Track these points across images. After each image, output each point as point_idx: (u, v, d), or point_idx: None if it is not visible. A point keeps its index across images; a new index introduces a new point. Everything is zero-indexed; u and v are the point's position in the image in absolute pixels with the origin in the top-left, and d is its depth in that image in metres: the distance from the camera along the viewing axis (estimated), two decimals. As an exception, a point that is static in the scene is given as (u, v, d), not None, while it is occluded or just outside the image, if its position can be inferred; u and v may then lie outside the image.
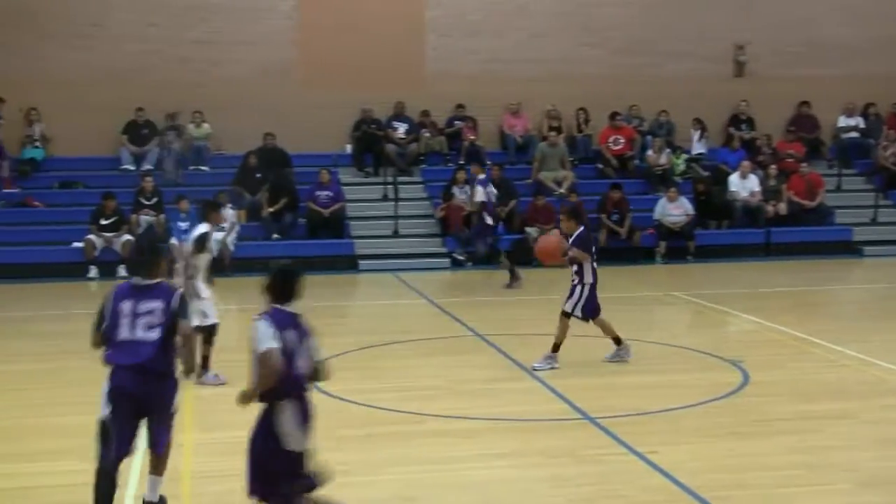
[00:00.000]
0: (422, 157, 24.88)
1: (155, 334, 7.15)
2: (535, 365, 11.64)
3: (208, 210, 11.75)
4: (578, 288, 11.83)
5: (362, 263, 21.99)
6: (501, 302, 17.86)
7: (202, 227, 11.57)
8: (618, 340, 12.12)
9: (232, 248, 21.06)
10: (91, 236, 20.89)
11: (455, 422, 9.88)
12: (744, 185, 23.76)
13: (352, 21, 24.74)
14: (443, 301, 17.43)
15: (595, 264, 12.01)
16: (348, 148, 24.77)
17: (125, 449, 7.19)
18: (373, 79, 24.44)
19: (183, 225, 20.64)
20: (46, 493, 8.02)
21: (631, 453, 8.64)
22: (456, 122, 25.21)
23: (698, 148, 25.59)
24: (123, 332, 7.24)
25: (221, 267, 19.57)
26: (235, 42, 24.34)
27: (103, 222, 21.07)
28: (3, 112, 23.15)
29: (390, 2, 25.38)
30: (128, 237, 20.84)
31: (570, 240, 11.95)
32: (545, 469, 8.36)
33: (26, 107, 23.49)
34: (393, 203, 23.32)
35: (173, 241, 20.58)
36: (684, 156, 25.01)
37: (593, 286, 11.89)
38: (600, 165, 24.95)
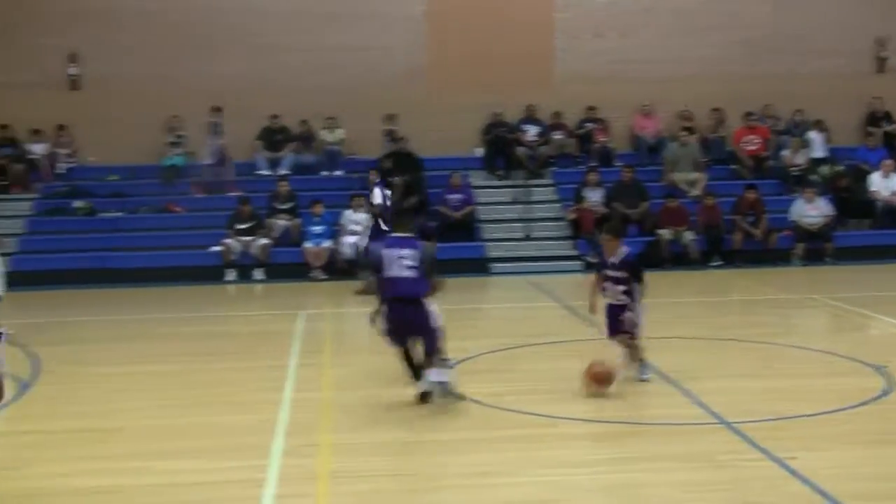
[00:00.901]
0: (553, 160, 24.80)
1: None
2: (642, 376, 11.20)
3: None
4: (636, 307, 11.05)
5: (493, 266, 22.01)
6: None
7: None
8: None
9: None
10: (228, 240, 21.33)
11: (588, 425, 9.82)
12: (886, 184, 23.13)
13: (481, 25, 24.84)
14: (575, 304, 17.32)
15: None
16: (479, 151, 24.81)
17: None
18: (503, 82, 24.50)
19: (317, 229, 20.96)
20: (175, 490, 8.17)
21: (768, 459, 8.44)
22: (587, 123, 25.07)
23: (820, 151, 24.92)
24: None
25: (356, 269, 19.85)
26: (368, 48, 24.59)
27: (240, 227, 21.49)
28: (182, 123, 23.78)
29: (519, 5, 25.41)
30: (264, 241, 21.22)
31: (617, 262, 10.97)
32: (680, 474, 8.22)
33: (169, 116, 24.13)
34: (524, 206, 23.30)
35: (307, 244, 20.95)
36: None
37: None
38: (734, 166, 24.58)
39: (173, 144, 24.26)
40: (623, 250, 10.95)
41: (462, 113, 24.26)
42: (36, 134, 24.18)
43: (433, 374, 10.32)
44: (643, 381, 11.03)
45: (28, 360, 13.50)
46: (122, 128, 23.77)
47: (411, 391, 10.64)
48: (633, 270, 10.97)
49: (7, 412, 10.93)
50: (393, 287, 10.37)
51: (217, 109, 23.60)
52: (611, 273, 11.00)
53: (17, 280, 19.51)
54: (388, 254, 10.46)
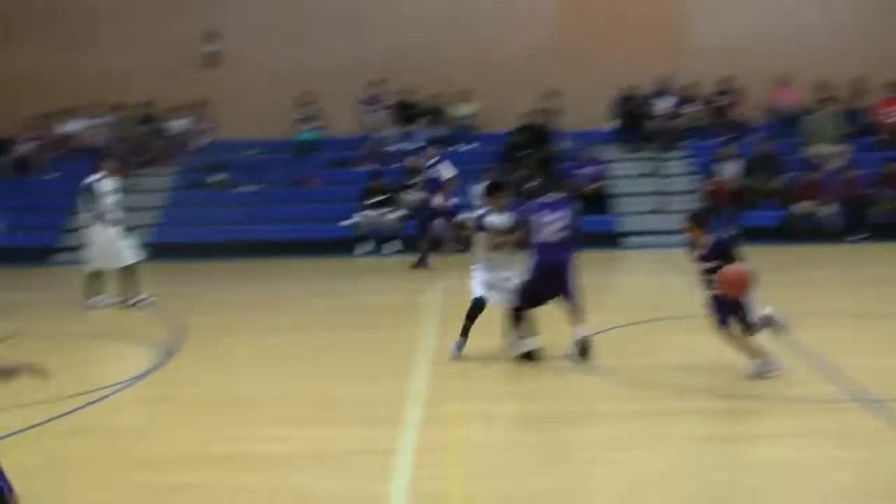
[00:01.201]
0: (687, 133, 24.44)
1: None
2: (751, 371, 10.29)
3: (492, 192, 11.64)
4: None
5: (625, 240, 21.84)
6: (774, 281, 17.33)
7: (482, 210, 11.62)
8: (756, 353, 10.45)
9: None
10: (361, 214, 21.54)
11: (722, 401, 9.67)
12: None
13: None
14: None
15: None
16: (611, 125, 24.58)
17: None
18: (637, 54, 24.21)
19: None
20: (310, 459, 8.30)
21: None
22: (721, 95, 24.64)
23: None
24: None
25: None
26: (502, 23, 24.52)
27: (372, 200, 21.68)
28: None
29: (653, -24, 25.03)
30: (396, 214, 21.37)
31: (706, 252, 10.30)
32: (826, 451, 8.05)
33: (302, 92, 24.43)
34: (657, 179, 23.04)
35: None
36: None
37: None
38: (877, 138, 23.91)
39: (305, 120, 24.56)
40: (709, 238, 10.42)
41: (596, 86, 24.00)
42: (176, 111, 24.71)
43: (580, 332, 10.91)
44: (762, 375, 10.11)
45: (170, 330, 13.85)
46: (259, 103, 24.17)
47: (549, 364, 10.68)
48: (724, 254, 10.23)
49: (152, 378, 11.27)
50: (543, 252, 10.84)
51: (380, 82, 23.72)
52: (703, 265, 10.41)
53: (159, 252, 20.10)
54: (538, 219, 10.91)
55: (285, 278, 19.01)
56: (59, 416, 9.75)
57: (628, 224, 22.24)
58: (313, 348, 12.75)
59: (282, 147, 24.44)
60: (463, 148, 24.18)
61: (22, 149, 24.05)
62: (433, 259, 19.25)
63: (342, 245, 21.39)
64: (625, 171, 23.73)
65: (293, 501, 7.32)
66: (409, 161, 22.47)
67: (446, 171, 19.62)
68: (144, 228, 21.78)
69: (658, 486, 7.33)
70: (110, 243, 16.03)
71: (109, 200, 16.13)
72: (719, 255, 10.19)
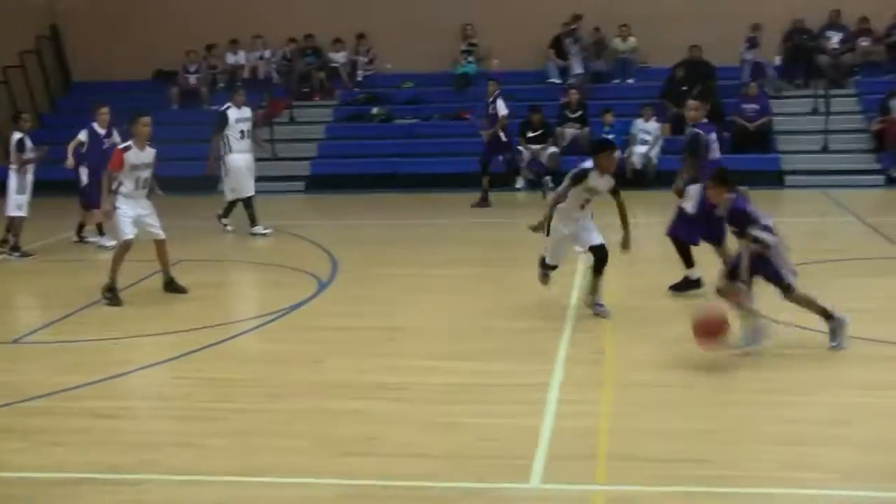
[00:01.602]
0: (857, 69, 23.65)
1: None
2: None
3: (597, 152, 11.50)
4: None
5: (789, 179, 21.33)
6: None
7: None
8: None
9: (655, 161, 21.11)
10: (519, 148, 21.50)
11: (886, 347, 9.43)
12: None
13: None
14: (875, 220, 16.60)
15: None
16: (777, 59, 23.90)
17: None
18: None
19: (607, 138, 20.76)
20: (460, 390, 8.45)
21: None
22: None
23: None
24: None
25: (644, 180, 19.77)
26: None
27: (530, 135, 21.61)
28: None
29: None
30: (553, 149, 21.28)
31: (725, 215, 9.62)
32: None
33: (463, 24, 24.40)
34: (824, 117, 22.39)
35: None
36: None
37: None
38: None
39: (466, 52, 24.56)
40: (729, 199, 9.49)
41: (759, 19, 23.35)
42: (337, 43, 24.96)
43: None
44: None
45: (327, 260, 14.12)
46: (418, 35, 24.17)
47: (700, 301, 10.59)
48: (739, 224, 9.46)
49: (308, 308, 11.55)
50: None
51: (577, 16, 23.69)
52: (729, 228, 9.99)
53: (317, 184, 20.50)
54: (711, 139, 11.59)
55: (441, 211, 19.13)
56: (223, 341, 10.10)
57: (792, 163, 21.69)
58: (467, 282, 12.88)
59: (441, 80, 24.48)
60: (625, 82, 23.88)
61: (188, 80, 24.61)
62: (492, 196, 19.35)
63: (501, 179, 21.37)
64: (789, 108, 23.10)
65: (445, 432, 7.46)
66: (569, 95, 22.32)
67: (500, 108, 19.50)
68: (304, 160, 22.20)
69: (817, 433, 7.24)
70: (238, 173, 16.58)
71: (243, 129, 16.71)
72: (737, 222, 9.50)
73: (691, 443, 7.11)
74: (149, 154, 11.98)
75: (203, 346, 9.92)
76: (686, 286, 11.56)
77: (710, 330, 8.77)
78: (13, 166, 15.18)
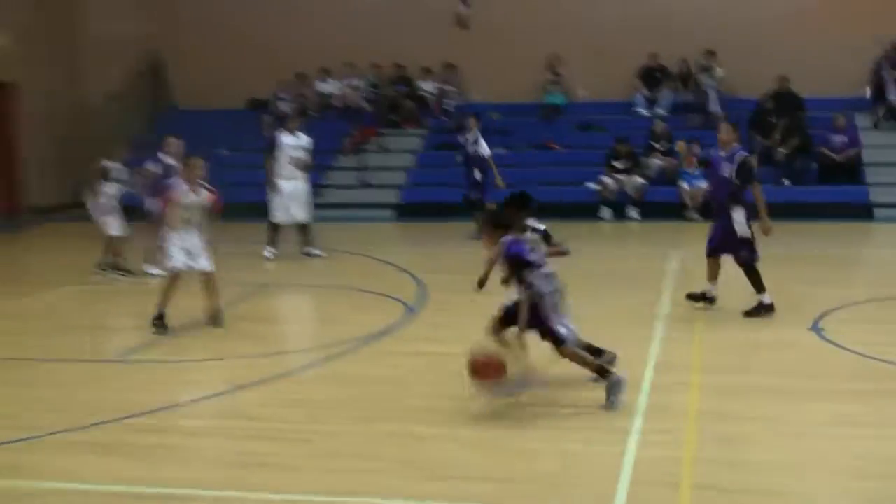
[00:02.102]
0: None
1: None
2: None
3: None
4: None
5: (878, 212, 21.08)
6: None
7: None
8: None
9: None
10: (605, 178, 21.59)
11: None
12: None
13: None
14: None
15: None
16: (867, 91, 23.66)
17: None
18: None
19: (692, 170, 20.78)
20: (548, 413, 8.53)
21: None
22: None
23: None
24: None
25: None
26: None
27: (617, 165, 21.68)
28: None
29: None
30: (640, 180, 21.32)
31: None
32: None
33: (550, 55, 24.54)
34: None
35: (683, 184, 20.88)
36: None
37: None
38: None
39: (553, 83, 24.71)
40: (503, 242, 9.03)
41: (850, 51, 23.12)
42: (426, 72, 25.25)
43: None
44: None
45: (416, 287, 14.28)
46: (506, 66, 24.42)
47: (785, 335, 10.61)
48: (515, 269, 9.01)
49: (396, 334, 11.67)
50: None
51: (711, 53, 23.69)
52: None
53: (407, 211, 20.70)
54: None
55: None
56: (313, 364, 10.29)
57: (881, 195, 21.45)
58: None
59: (528, 110, 24.64)
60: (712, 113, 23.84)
61: (281, 107, 25.04)
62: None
63: (587, 209, 21.46)
64: (879, 140, 22.81)
65: (528, 458, 7.56)
66: (655, 126, 22.35)
67: (484, 148, 19.53)
68: (393, 188, 22.43)
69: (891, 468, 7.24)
70: (289, 198, 16.83)
71: (293, 156, 17.01)
72: (511, 267, 8.97)
73: (771, 475, 7.12)
74: (201, 194, 12.12)
75: (294, 369, 10.15)
76: (757, 311, 11.86)
77: (486, 372, 8.48)
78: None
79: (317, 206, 21.84)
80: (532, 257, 8.90)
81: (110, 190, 15.69)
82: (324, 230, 17.51)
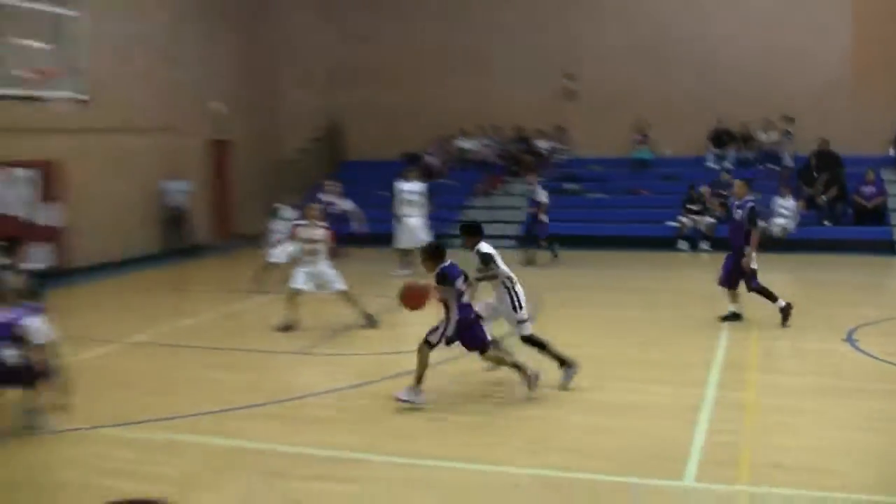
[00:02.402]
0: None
1: None
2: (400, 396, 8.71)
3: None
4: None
5: (900, 248, 20.58)
6: None
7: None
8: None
9: (791, 229, 20.78)
10: (682, 217, 21.50)
11: None
12: None
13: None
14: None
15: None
16: (892, 151, 23.01)
17: None
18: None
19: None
20: (629, 406, 8.59)
21: None
22: None
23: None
24: None
25: (778, 244, 19.48)
26: (798, 55, 23.48)
27: (691, 207, 21.58)
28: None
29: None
30: (710, 219, 21.16)
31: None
32: None
33: (637, 118, 24.53)
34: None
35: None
36: None
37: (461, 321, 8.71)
38: None
39: (640, 142, 24.67)
40: (440, 266, 8.94)
41: (879, 115, 22.57)
42: (541, 133, 25.42)
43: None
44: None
45: (535, 302, 14.34)
46: (604, 128, 24.51)
47: (825, 344, 10.55)
48: (444, 284, 8.80)
49: (512, 339, 11.78)
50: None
51: (790, 119, 23.46)
52: None
53: (525, 241, 20.85)
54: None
55: (621, 265, 19.24)
56: (453, 359, 10.51)
57: (904, 234, 20.91)
58: (638, 321, 12.99)
59: (621, 163, 24.63)
60: (767, 167, 23.47)
61: (428, 159, 25.44)
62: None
63: (667, 242, 21.40)
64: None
65: (614, 437, 7.70)
66: (723, 177, 22.17)
67: (541, 195, 19.95)
68: (515, 223, 22.65)
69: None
70: (403, 229, 17.68)
71: (407, 198, 17.84)
72: (441, 282, 8.80)
73: (819, 457, 7.14)
74: (318, 231, 12.50)
75: (439, 362, 10.38)
76: (786, 315, 12.09)
77: (412, 298, 8.87)
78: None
79: (452, 236, 22.21)
80: (459, 283, 8.76)
81: (276, 226, 15.91)
82: (466, 257, 17.61)
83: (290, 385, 9.55)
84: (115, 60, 19.48)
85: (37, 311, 8.27)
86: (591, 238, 22.02)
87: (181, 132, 22.20)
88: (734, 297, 12.39)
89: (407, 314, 9.32)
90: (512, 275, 9.44)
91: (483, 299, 9.51)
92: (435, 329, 8.73)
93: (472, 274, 9.13)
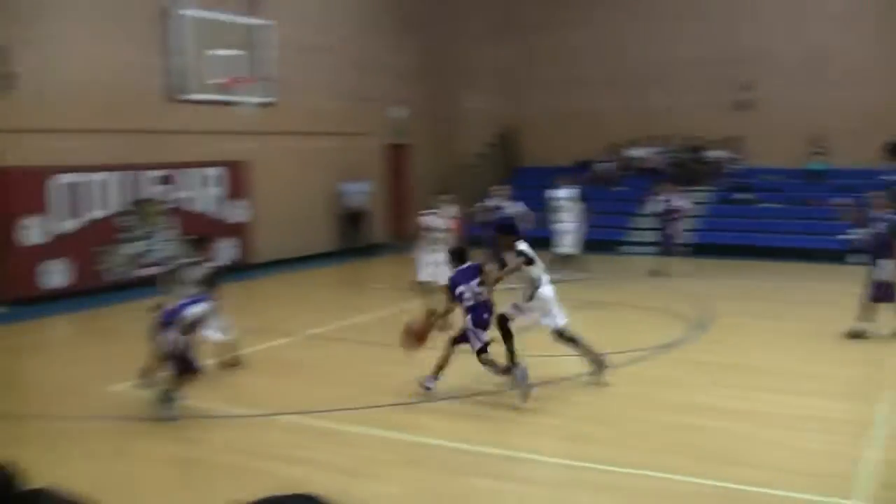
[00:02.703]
0: None
1: None
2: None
3: None
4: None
5: None
6: None
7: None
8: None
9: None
10: (853, 231, 20.57)
11: None
12: None
13: None
14: None
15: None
16: None
17: None
18: None
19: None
20: (788, 417, 8.38)
21: None
22: None
23: None
24: None
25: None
26: None
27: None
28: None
29: None
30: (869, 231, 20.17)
31: None
32: None
33: (815, 130, 23.65)
34: None
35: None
36: None
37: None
38: None
39: (816, 153, 23.76)
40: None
41: None
42: (714, 143, 24.85)
43: None
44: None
45: (701, 309, 14.16)
46: (777, 139, 23.73)
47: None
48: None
49: (682, 345, 11.66)
50: None
51: None
52: None
53: (700, 250, 20.55)
54: None
55: (790, 277, 18.63)
56: (619, 365, 10.46)
57: None
58: (803, 334, 12.57)
59: (795, 174, 23.80)
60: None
61: (599, 168, 25.29)
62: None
63: (835, 255, 20.54)
64: None
65: (785, 450, 7.52)
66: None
67: (684, 204, 19.19)
68: (688, 232, 22.27)
69: None
70: (560, 234, 17.80)
71: (560, 205, 18.03)
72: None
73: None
74: (441, 221, 13.03)
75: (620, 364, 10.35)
76: None
77: (409, 339, 9.14)
78: None
79: (626, 243, 22.06)
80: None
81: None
82: (633, 262, 17.53)
83: (459, 383, 9.71)
84: (301, 67, 20.35)
85: (206, 301, 8.76)
86: (764, 249, 21.40)
87: (362, 136, 22.91)
88: (875, 313, 11.80)
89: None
90: (543, 278, 9.53)
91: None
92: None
93: (496, 271, 9.71)
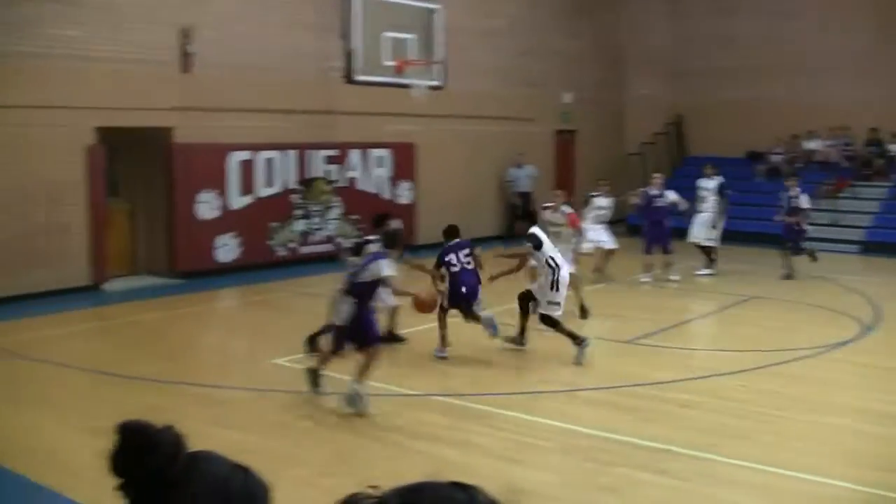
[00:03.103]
0: None
1: None
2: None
3: None
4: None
5: None
6: None
7: None
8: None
9: None
10: None
11: None
12: None
13: None
14: None
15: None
16: None
17: None
18: None
19: None
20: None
21: None
22: None
23: None
24: None
25: None
26: None
27: None
28: None
29: None
30: None
31: None
32: None
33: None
34: None
35: None
36: None
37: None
38: None
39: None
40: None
41: None
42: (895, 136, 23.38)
43: None
44: None
45: (872, 310, 13.33)
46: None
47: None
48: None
49: (850, 346, 10.99)
50: None
51: None
52: None
53: (870, 248, 19.39)
54: None
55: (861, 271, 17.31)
56: (779, 363, 9.98)
57: None
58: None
59: None
60: None
61: (773, 159, 24.22)
62: None
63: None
64: None
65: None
66: None
67: (805, 202, 17.13)
68: (861, 228, 21.07)
69: None
70: (698, 223, 16.67)
71: (701, 194, 16.81)
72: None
73: None
74: (557, 215, 12.95)
75: (763, 365, 9.91)
76: None
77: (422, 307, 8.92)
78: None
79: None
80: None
81: (592, 213, 15.61)
82: (800, 259, 16.57)
83: (613, 372, 9.49)
84: (469, 51, 20.28)
85: (386, 256, 8.63)
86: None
87: (529, 121, 22.72)
88: None
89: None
90: (558, 258, 10.12)
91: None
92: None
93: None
